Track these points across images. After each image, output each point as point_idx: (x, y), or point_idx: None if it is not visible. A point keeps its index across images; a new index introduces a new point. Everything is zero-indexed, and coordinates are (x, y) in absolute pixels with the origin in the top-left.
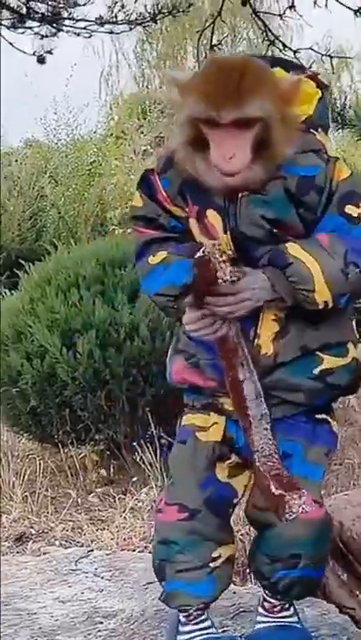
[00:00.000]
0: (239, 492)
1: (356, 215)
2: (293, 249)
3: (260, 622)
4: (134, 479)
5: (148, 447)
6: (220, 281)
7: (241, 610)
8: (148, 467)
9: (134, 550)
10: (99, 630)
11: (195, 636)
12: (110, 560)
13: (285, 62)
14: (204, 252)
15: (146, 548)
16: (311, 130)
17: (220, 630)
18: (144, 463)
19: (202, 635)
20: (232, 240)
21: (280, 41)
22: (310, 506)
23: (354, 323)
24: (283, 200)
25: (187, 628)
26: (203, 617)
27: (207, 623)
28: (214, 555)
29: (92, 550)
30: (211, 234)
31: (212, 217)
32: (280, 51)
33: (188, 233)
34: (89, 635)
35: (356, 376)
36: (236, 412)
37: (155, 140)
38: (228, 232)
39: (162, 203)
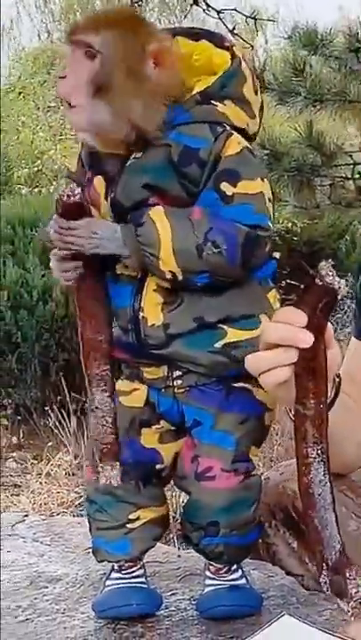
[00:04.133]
0: (165, 459)
1: (230, 194)
2: (155, 212)
3: (208, 585)
4: (50, 444)
5: (60, 412)
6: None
7: (187, 573)
8: (61, 431)
9: (51, 515)
10: (44, 595)
11: (120, 584)
12: (48, 525)
13: (210, 34)
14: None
15: (64, 512)
16: (212, 101)
17: (168, 593)
18: (57, 428)
19: (127, 583)
20: (111, 209)
21: (204, 0)
22: (117, 480)
23: None
24: (164, 168)
25: (115, 575)
26: (134, 569)
27: (138, 573)
28: (131, 517)
29: (27, 515)
30: (93, 200)
31: (98, 183)
32: (203, 10)
33: None
34: (35, 599)
35: None
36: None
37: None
38: (109, 199)
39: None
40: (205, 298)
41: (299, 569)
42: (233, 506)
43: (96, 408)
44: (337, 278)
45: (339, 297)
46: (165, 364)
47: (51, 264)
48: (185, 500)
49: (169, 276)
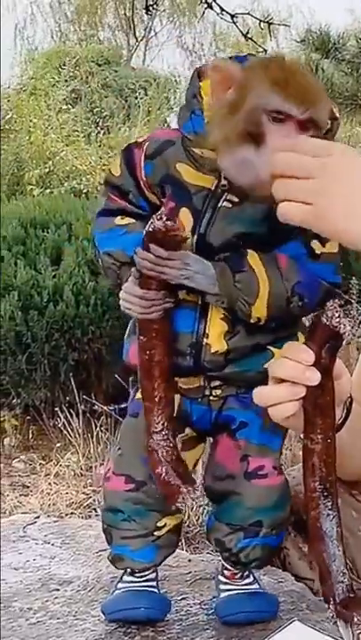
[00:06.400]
0: (190, 465)
1: (318, 252)
2: (253, 258)
3: (224, 590)
4: (58, 445)
5: (69, 412)
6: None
7: (198, 577)
8: (70, 432)
9: (60, 516)
10: (56, 597)
11: (130, 587)
12: (59, 527)
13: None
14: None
15: (72, 513)
16: None
17: (178, 597)
18: (66, 428)
19: (138, 586)
20: (196, 245)
21: (218, 4)
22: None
23: None
24: (262, 219)
25: (128, 579)
26: (147, 572)
27: (151, 577)
28: (159, 524)
29: (38, 517)
30: None
31: (184, 216)
32: (217, 14)
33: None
34: (46, 601)
35: None
36: (142, 392)
37: (71, 97)
38: (196, 236)
39: (138, 181)
40: (261, 327)
41: (308, 573)
42: (277, 504)
43: (160, 431)
44: (343, 320)
45: (343, 341)
46: (203, 375)
47: (125, 299)
48: (211, 504)
49: (254, 320)
